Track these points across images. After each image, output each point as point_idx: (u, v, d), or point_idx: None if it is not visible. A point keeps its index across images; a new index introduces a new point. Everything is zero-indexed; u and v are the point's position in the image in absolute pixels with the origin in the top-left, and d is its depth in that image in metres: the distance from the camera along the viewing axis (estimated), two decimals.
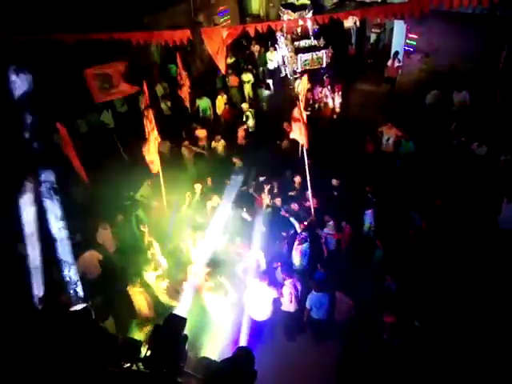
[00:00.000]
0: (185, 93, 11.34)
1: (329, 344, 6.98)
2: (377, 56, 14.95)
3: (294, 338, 7.19)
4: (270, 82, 13.39)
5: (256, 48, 14.89)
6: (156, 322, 5.54)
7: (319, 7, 14.53)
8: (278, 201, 8.50)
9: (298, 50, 12.04)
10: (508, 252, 7.47)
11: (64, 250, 7.65)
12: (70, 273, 7.34)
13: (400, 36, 13.73)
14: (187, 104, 11.67)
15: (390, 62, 12.95)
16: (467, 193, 8.60)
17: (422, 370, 6.05)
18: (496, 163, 9.00)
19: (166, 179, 8.65)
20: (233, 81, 13.43)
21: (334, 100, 11.92)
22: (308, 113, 10.09)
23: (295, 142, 8.97)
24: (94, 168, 9.44)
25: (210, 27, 14.64)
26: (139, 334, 6.80)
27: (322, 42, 12.19)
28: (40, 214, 8.70)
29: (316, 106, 12.08)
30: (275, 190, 8.83)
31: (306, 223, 7.79)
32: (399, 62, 12.93)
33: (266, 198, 8.53)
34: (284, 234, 7.94)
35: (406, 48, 13.95)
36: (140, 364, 3.36)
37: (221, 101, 12.29)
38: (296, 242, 7.55)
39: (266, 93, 12.96)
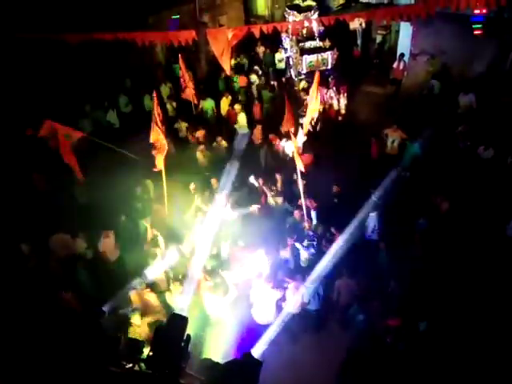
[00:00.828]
0: (189, 95, 11.29)
1: (331, 344, 6.95)
2: (382, 58, 14.88)
3: (297, 340, 7.14)
4: (274, 83, 13.37)
5: (261, 49, 14.89)
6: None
7: (325, 8, 14.46)
8: (279, 199, 8.51)
9: (303, 52, 12.00)
10: None
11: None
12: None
13: (406, 38, 13.69)
14: (196, 102, 11.59)
15: (395, 64, 12.93)
16: (473, 197, 8.49)
17: (426, 374, 6.00)
18: (503, 166, 8.90)
19: (168, 179, 8.65)
20: (241, 81, 13.41)
21: (339, 101, 11.87)
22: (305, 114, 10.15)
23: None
24: (95, 168, 9.48)
25: (216, 28, 14.67)
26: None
27: (327, 44, 12.14)
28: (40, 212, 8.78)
29: (321, 107, 12.01)
30: (277, 188, 8.85)
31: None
32: (405, 63, 12.85)
33: (269, 196, 8.56)
34: (288, 239, 7.85)
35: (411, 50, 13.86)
36: (142, 364, 3.34)
37: (225, 102, 12.23)
38: (305, 241, 7.62)
39: (270, 94, 12.92)
